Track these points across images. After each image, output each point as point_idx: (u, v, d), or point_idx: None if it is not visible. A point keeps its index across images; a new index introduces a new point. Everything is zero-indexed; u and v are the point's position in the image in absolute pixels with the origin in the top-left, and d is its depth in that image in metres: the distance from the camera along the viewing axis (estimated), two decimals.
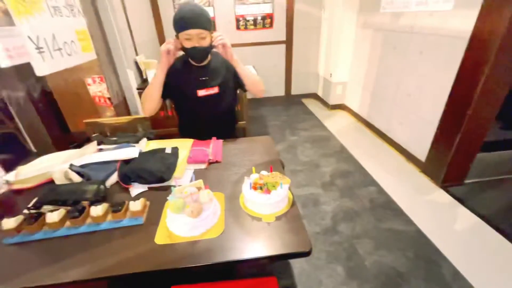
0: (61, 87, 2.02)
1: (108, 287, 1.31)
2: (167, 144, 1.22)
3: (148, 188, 0.98)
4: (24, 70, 1.46)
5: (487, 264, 1.40)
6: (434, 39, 1.97)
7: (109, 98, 2.40)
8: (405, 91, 2.35)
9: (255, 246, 0.73)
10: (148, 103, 1.28)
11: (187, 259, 0.70)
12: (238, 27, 3.56)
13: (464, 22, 1.70)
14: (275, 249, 0.72)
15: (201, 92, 1.29)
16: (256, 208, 0.84)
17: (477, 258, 1.44)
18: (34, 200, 0.86)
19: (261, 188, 0.85)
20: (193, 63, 1.29)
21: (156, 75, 1.24)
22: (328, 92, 3.69)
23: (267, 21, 3.59)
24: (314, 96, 4.20)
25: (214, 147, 1.22)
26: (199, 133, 1.34)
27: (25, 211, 0.82)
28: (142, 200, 0.85)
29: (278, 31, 3.66)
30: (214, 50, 1.27)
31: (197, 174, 1.06)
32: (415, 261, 1.44)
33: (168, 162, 1.04)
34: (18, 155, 1.84)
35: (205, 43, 1.18)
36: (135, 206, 0.83)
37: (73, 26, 1.81)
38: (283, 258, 0.77)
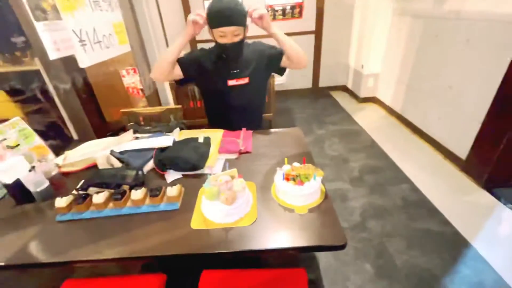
0: (98, 78, 2.14)
1: (143, 266, 1.40)
2: (198, 134, 1.25)
3: (182, 175, 1.02)
4: (69, 63, 1.56)
5: None
6: (484, 25, 1.79)
7: (141, 89, 2.50)
8: (446, 83, 2.18)
9: (287, 237, 0.73)
10: (160, 67, 1.22)
11: (221, 244, 0.72)
12: None
13: None
14: (309, 241, 0.71)
15: (231, 82, 1.29)
16: (289, 199, 0.84)
17: None
18: (81, 182, 0.93)
19: (294, 179, 0.84)
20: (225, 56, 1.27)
21: (176, 41, 1.19)
22: (358, 84, 3.54)
23: (296, 10, 3.50)
24: (343, 88, 4.05)
25: (244, 138, 1.23)
26: (228, 123, 1.35)
27: (74, 192, 0.89)
28: (178, 186, 0.88)
29: (307, 21, 3.56)
30: (251, 41, 1.25)
31: (229, 164, 1.07)
32: (452, 264, 1.35)
33: (201, 151, 1.07)
34: (62, 142, 2.00)
35: (239, 38, 1.16)
36: (171, 191, 0.86)
37: (110, 20, 1.90)
38: (316, 250, 0.77)
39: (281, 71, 1.36)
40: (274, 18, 3.49)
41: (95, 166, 1.07)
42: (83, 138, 1.75)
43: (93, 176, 0.94)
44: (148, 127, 1.52)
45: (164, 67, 1.21)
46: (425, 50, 2.44)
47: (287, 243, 0.72)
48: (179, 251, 0.72)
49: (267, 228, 0.76)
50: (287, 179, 0.85)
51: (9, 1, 1.32)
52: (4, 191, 0.94)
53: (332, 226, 0.75)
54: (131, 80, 2.50)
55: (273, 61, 1.30)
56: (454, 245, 1.46)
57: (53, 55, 1.32)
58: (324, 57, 3.82)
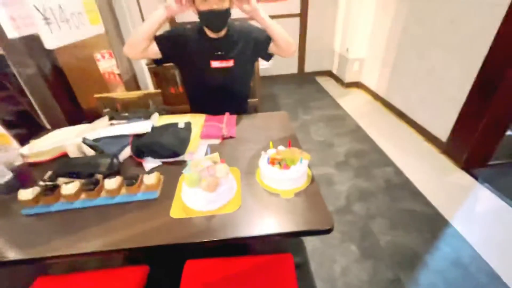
0: (70, 63, 1.97)
1: (125, 259, 1.35)
2: (179, 119, 1.18)
3: (162, 162, 0.96)
4: (34, 45, 1.42)
5: (510, 248, 1.35)
6: (469, 6, 1.78)
7: (119, 75, 2.36)
8: (429, 65, 2.19)
9: (273, 222, 0.71)
10: (133, 42, 1.11)
11: (204, 233, 0.69)
12: None
13: None
14: (296, 226, 0.69)
15: (215, 64, 1.21)
16: (274, 184, 0.81)
17: (499, 242, 1.38)
18: (49, 173, 0.85)
19: (279, 164, 0.81)
20: (209, 33, 1.16)
21: (153, 15, 1.08)
22: (343, 69, 3.52)
23: None
24: (329, 73, 4.03)
25: (227, 122, 1.17)
26: (211, 107, 1.28)
27: (41, 183, 0.81)
28: (156, 174, 0.83)
29: (292, 3, 3.45)
30: (238, 23, 1.17)
31: (212, 150, 1.03)
32: (433, 242, 1.40)
33: (181, 137, 1.01)
34: (32, 131, 1.85)
35: (224, 6, 1.04)
36: (149, 179, 0.80)
37: None
38: (303, 235, 0.75)
39: (267, 57, 1.28)
40: (258, 0, 3.35)
41: (66, 155, 0.99)
42: (56, 126, 1.63)
43: (62, 165, 0.86)
44: (126, 114, 1.43)
45: (138, 43, 1.10)
46: (409, 32, 2.43)
47: (273, 228, 0.69)
48: (159, 241, 0.68)
49: (252, 214, 0.73)
50: (272, 163, 0.82)
51: None
52: None
53: (319, 210, 0.73)
54: (107, 64, 2.34)
55: (260, 45, 1.22)
56: (435, 224, 1.50)
57: (11, 33, 1.18)
58: (309, 42, 3.75)
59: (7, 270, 1.26)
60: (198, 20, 1.13)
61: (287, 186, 0.79)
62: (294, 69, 4.00)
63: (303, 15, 3.54)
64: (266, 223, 0.71)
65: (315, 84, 3.78)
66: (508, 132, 1.82)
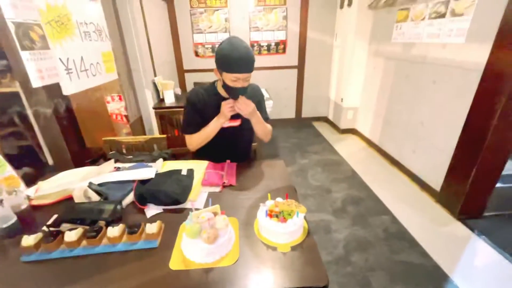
0: (81, 104, 2.10)
1: None
2: (182, 166, 1.24)
3: (163, 210, 0.99)
4: (52, 89, 1.54)
5: None
6: (447, 70, 1.99)
7: (126, 116, 2.48)
8: (418, 119, 2.35)
9: (270, 277, 0.72)
10: (199, 144, 1.31)
11: (202, 287, 0.69)
12: None
13: (477, 55, 1.72)
14: (291, 282, 0.70)
15: (225, 124, 1.28)
16: (272, 236, 0.83)
17: None
18: (53, 217, 0.87)
19: (277, 216, 0.84)
20: (223, 95, 1.27)
21: (214, 124, 1.25)
22: (339, 116, 3.72)
23: (280, 47, 3.73)
24: (325, 119, 4.23)
25: (228, 170, 1.23)
26: (214, 157, 1.34)
27: (44, 228, 0.83)
28: (158, 222, 0.85)
29: (290, 57, 3.79)
30: None
31: (212, 198, 1.06)
32: None
33: (183, 185, 1.05)
34: (36, 169, 1.90)
35: (247, 84, 1.19)
36: (151, 228, 0.83)
37: (99, 49, 1.93)
38: None
39: None
40: (259, 53, 3.69)
41: (70, 199, 1.02)
42: (60, 164, 1.67)
43: (68, 210, 0.89)
44: (130, 156, 1.50)
45: (200, 144, 1.31)
46: (398, 88, 2.65)
47: (269, 285, 0.70)
48: None
49: (249, 268, 0.74)
50: (270, 216, 0.85)
51: None
52: None
53: (315, 265, 0.75)
54: (115, 106, 2.48)
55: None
56: (434, 278, 1.47)
57: (36, 83, 1.30)
58: (306, 89, 4.03)
59: None
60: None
61: (284, 240, 0.82)
62: (292, 114, 4.21)
63: (300, 66, 3.86)
64: (262, 278, 0.72)
65: (312, 129, 3.95)
66: (499, 184, 1.88)
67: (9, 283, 0.72)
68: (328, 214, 2.03)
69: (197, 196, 1.05)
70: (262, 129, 1.34)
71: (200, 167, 1.25)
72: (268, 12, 3.56)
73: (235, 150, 1.40)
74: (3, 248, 0.83)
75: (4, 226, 0.85)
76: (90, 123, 2.45)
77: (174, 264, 0.75)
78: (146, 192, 1.00)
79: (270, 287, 0.69)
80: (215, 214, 0.82)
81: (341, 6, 3.43)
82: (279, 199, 0.91)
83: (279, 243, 0.82)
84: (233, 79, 1.13)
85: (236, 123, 1.30)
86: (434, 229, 1.85)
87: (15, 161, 1.23)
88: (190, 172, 1.16)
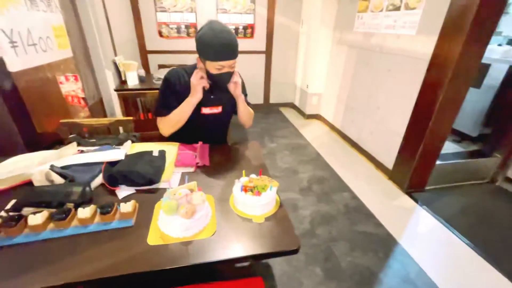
0: (28, 84, 1.89)
1: None
2: (153, 147, 1.21)
3: (136, 190, 0.97)
4: None
5: (446, 262, 1.57)
6: (401, 59, 2.19)
7: (83, 98, 2.29)
8: (375, 104, 2.56)
9: (247, 246, 0.77)
10: (172, 128, 1.25)
11: (180, 259, 0.71)
12: None
13: (426, 46, 1.92)
14: (267, 248, 0.76)
15: (205, 110, 1.27)
16: (247, 209, 0.88)
17: (438, 258, 1.60)
18: (12, 202, 0.81)
19: (251, 191, 0.89)
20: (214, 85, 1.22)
21: (187, 106, 1.18)
22: (304, 102, 3.86)
23: (248, 31, 3.70)
24: (291, 105, 4.36)
25: (201, 151, 1.24)
26: (189, 140, 1.31)
27: (3, 213, 0.77)
28: (132, 202, 0.84)
29: (258, 42, 3.79)
30: None
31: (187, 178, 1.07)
32: (385, 261, 1.56)
33: (156, 165, 1.04)
34: None
35: (233, 70, 1.16)
36: (125, 207, 0.82)
37: (49, 21, 1.74)
38: (274, 256, 0.82)
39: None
40: None
41: (29, 183, 0.95)
42: (10, 149, 1.51)
43: (28, 194, 0.83)
44: (93, 140, 1.41)
45: (173, 127, 1.25)
46: (359, 75, 2.84)
47: (247, 251, 0.75)
48: (137, 269, 0.69)
49: (226, 239, 0.79)
50: (245, 190, 0.90)
51: None
52: None
53: (287, 232, 0.82)
54: (71, 87, 2.26)
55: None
56: (386, 244, 1.68)
57: None
58: (274, 75, 4.08)
59: None
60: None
61: (258, 212, 0.87)
62: (260, 100, 4.25)
63: (268, 52, 3.88)
64: (240, 246, 0.77)
65: (279, 114, 4.05)
66: (438, 162, 2.17)
67: None
68: (295, 193, 2.16)
69: (171, 176, 1.05)
70: (247, 112, 1.32)
71: (171, 148, 1.24)
72: None
73: (213, 137, 1.38)
74: None
75: None
76: (40, 106, 2.21)
77: (152, 240, 0.76)
78: (117, 173, 0.97)
79: (248, 253, 0.74)
80: (191, 191, 0.84)
81: None
82: (253, 175, 0.96)
83: (254, 215, 0.87)
84: (218, 67, 1.09)
85: (217, 109, 1.29)
86: (387, 202, 2.09)
87: None
88: (162, 153, 1.15)
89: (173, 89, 1.22)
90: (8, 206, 0.80)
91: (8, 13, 1.36)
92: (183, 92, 1.20)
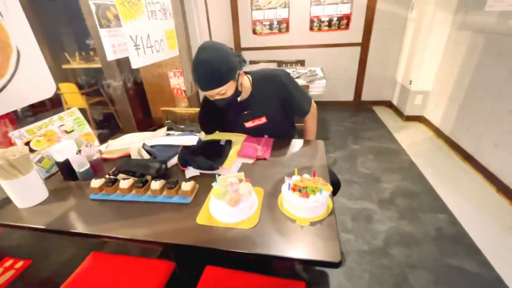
0: (149, 78, 2.38)
1: (161, 252, 1.51)
2: (222, 137, 1.32)
3: (200, 173, 1.09)
4: (122, 64, 1.79)
5: None
6: None
7: (184, 91, 2.71)
8: (507, 108, 1.92)
9: (284, 245, 0.74)
10: None
11: (220, 242, 0.76)
12: (311, 28, 3.51)
13: None
14: (304, 253, 0.71)
15: (248, 124, 1.30)
16: (293, 209, 0.84)
17: None
18: (113, 169, 1.06)
19: (299, 191, 0.85)
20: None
21: None
22: (405, 100, 3.30)
23: (343, 22, 3.43)
24: (388, 104, 3.82)
25: (264, 144, 1.26)
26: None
27: (106, 176, 1.03)
28: (192, 182, 0.95)
29: (354, 33, 3.47)
30: (259, 77, 1.25)
31: (244, 168, 1.12)
32: None
33: (220, 153, 1.14)
34: (112, 131, 2.28)
35: (227, 95, 1.11)
36: (185, 186, 0.93)
37: (163, 27, 2.12)
38: (310, 264, 0.76)
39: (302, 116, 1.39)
40: (319, 29, 3.48)
41: (129, 156, 1.22)
42: (127, 129, 1.97)
43: (124, 164, 1.06)
44: (182, 126, 1.66)
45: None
46: (485, 68, 2.19)
47: (281, 252, 0.72)
48: (183, 241, 0.78)
49: (265, 234, 0.78)
50: (293, 190, 0.86)
51: (83, 11, 1.59)
52: (56, 168, 1.12)
53: (331, 242, 0.74)
54: (176, 81, 2.72)
55: (291, 108, 1.30)
56: None
57: (110, 56, 1.54)
58: (369, 70, 3.66)
59: (70, 242, 1.56)
60: None
61: (304, 214, 0.82)
62: (350, 97, 3.92)
63: (364, 44, 3.50)
64: (277, 244, 0.75)
65: (371, 114, 3.63)
66: None
67: (82, 212, 0.93)
68: (373, 203, 1.90)
69: (231, 165, 1.12)
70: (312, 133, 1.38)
71: (238, 139, 1.32)
72: None
73: (276, 133, 1.36)
74: (80, 187, 1.06)
75: (81, 170, 1.07)
76: (156, 96, 2.76)
77: (201, 219, 0.84)
78: (188, 156, 1.11)
79: (282, 254, 0.72)
80: (240, 180, 0.88)
81: None
82: (306, 175, 0.91)
83: (299, 216, 0.83)
84: (209, 95, 1.10)
85: (261, 120, 1.29)
86: (505, 239, 1.56)
87: (99, 126, 1.50)
88: (229, 142, 1.24)
89: (208, 105, 1.26)
90: (110, 172, 1.05)
91: (135, 22, 1.74)
92: (214, 110, 1.25)
